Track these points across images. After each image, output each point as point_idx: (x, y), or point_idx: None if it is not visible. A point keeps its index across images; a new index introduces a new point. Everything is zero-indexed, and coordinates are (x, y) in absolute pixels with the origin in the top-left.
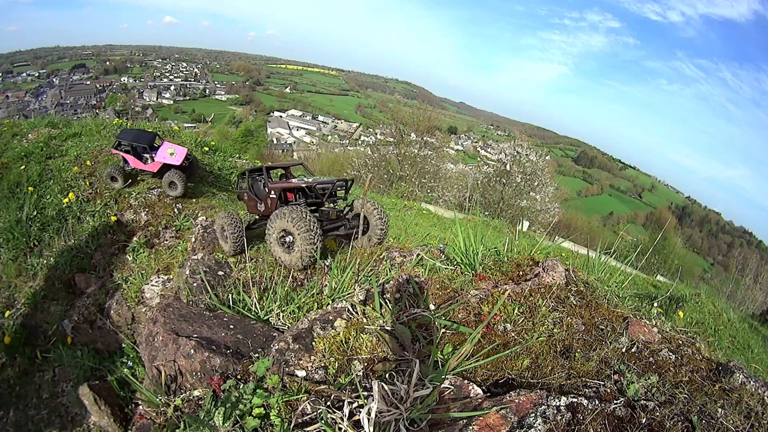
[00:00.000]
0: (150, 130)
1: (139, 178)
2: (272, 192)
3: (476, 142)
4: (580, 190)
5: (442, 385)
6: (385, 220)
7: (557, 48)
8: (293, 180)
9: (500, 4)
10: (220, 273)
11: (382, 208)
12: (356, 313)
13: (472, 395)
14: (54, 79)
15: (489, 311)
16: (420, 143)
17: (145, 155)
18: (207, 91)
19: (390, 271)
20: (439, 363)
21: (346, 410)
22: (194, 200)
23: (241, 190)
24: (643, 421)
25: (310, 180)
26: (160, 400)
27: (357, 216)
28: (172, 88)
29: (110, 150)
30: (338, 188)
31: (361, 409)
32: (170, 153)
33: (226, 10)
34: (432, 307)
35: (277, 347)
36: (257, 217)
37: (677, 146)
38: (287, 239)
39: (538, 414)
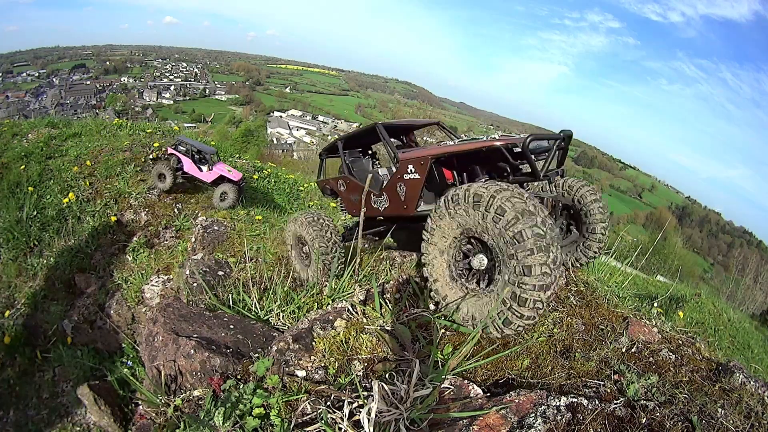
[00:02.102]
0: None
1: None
2: (410, 168)
3: None
4: None
5: (442, 385)
6: (607, 215)
7: (557, 48)
8: (449, 142)
9: (500, 4)
10: (220, 273)
11: (602, 196)
12: (356, 313)
13: (472, 395)
14: (54, 79)
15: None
16: (420, 143)
17: (201, 165)
18: (207, 91)
19: (390, 271)
20: (439, 363)
21: (346, 410)
22: (194, 200)
23: (329, 178)
24: (643, 421)
25: (505, 136)
26: (160, 400)
27: (565, 209)
28: (172, 88)
29: (167, 148)
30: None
31: (361, 409)
32: (227, 170)
33: (226, 10)
34: (432, 307)
35: (277, 347)
36: (356, 219)
37: (677, 146)
38: (479, 260)
39: (538, 414)
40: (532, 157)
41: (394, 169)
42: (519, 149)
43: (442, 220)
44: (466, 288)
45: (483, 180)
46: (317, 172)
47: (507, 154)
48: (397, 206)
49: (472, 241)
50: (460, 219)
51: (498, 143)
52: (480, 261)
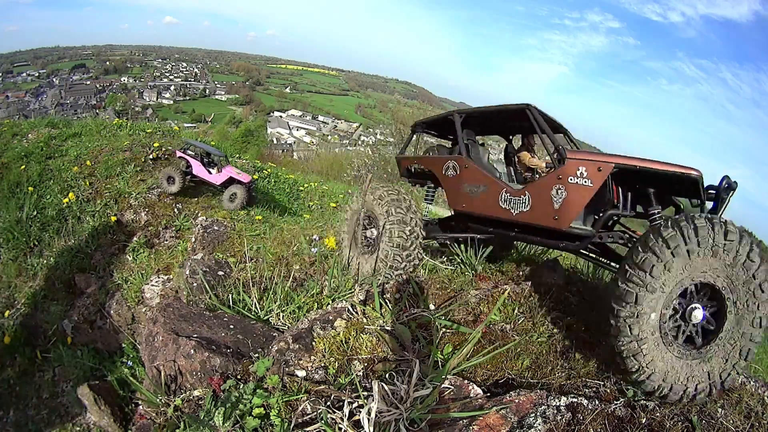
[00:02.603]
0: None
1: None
2: (581, 171)
3: None
4: None
5: (442, 385)
6: None
7: (557, 48)
8: (595, 153)
9: (500, 4)
10: (220, 273)
11: None
12: (356, 313)
13: (472, 395)
14: (54, 79)
15: (489, 311)
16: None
17: (210, 168)
18: (207, 91)
19: None
20: (439, 363)
21: (346, 410)
22: (194, 200)
23: (425, 156)
24: (643, 421)
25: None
26: (160, 400)
27: None
28: (172, 88)
29: (175, 152)
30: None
31: (361, 409)
32: (236, 172)
33: (226, 10)
34: (432, 307)
35: (277, 347)
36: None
37: (677, 146)
38: (698, 311)
39: (538, 414)
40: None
41: (508, 168)
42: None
43: (670, 263)
44: (682, 350)
45: (657, 210)
46: (402, 146)
47: (701, 187)
48: (543, 214)
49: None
50: (697, 262)
51: (694, 173)
52: (698, 312)
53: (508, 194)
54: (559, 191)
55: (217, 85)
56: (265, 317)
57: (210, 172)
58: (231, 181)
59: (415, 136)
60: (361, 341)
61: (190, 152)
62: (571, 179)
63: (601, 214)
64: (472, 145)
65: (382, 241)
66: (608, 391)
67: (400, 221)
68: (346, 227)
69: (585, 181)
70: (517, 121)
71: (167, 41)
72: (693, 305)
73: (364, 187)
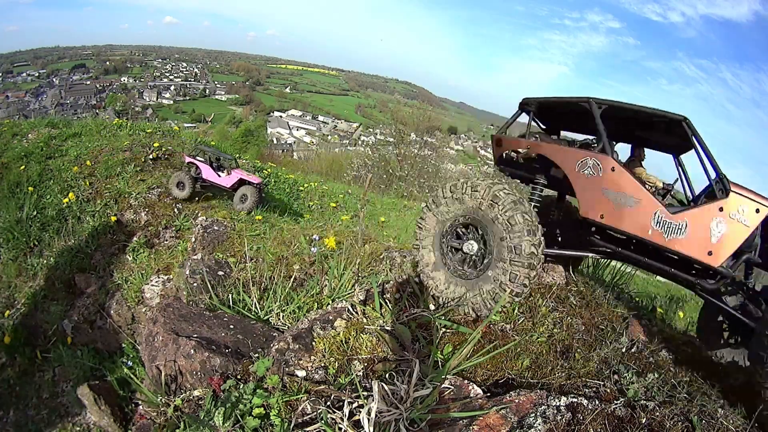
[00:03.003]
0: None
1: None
2: (742, 209)
3: (476, 142)
4: None
5: (442, 385)
6: None
7: (557, 48)
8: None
9: (500, 4)
10: (220, 273)
11: None
12: (356, 313)
13: (472, 395)
14: (54, 79)
15: None
16: (420, 143)
17: (220, 172)
18: (207, 91)
19: (390, 271)
20: (439, 363)
21: (346, 410)
22: (194, 200)
23: (545, 142)
24: (643, 421)
25: None
26: (160, 400)
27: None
28: (172, 88)
29: (184, 156)
30: None
31: (361, 409)
32: (246, 174)
33: (226, 10)
34: (432, 307)
35: (277, 347)
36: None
37: None
38: None
39: (538, 414)
40: None
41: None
42: None
43: None
44: None
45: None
46: (504, 126)
47: None
48: (697, 246)
49: None
50: None
51: None
52: None
53: (663, 216)
54: (720, 225)
55: (217, 85)
56: (265, 317)
57: (219, 176)
58: (241, 183)
59: (527, 116)
60: (361, 341)
61: (199, 158)
62: (732, 214)
63: (736, 258)
64: (613, 144)
65: (501, 258)
66: (608, 391)
67: (531, 231)
68: (424, 234)
69: (744, 219)
70: (654, 132)
71: (167, 41)
72: None
73: (456, 183)
